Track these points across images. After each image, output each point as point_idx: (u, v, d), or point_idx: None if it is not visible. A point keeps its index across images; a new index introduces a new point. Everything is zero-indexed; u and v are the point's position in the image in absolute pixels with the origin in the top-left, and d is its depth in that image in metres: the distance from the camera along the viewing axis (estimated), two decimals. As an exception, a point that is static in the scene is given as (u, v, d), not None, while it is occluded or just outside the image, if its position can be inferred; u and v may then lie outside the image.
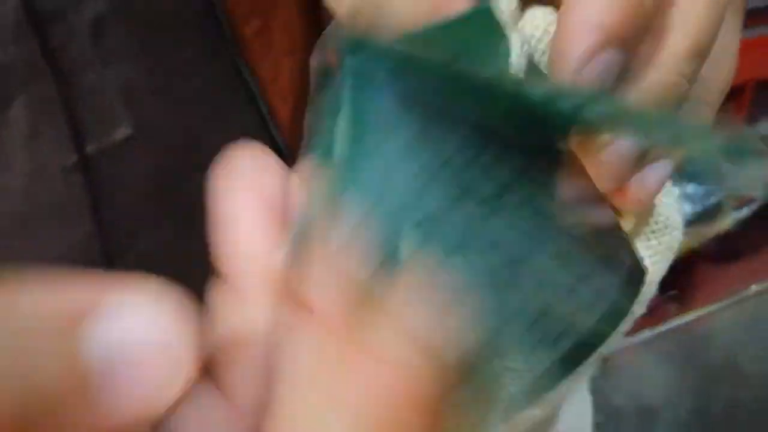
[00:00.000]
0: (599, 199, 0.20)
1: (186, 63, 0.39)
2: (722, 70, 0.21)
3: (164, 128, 0.39)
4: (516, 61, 0.19)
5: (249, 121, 0.42)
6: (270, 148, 0.42)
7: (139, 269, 0.37)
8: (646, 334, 0.62)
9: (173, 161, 0.39)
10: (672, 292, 1.31)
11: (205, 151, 0.40)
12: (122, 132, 0.36)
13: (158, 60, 0.38)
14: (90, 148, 0.36)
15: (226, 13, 0.39)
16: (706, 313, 0.65)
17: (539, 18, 0.20)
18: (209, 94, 0.40)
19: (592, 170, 0.20)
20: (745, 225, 1.23)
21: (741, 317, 0.66)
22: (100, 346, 0.12)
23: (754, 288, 0.66)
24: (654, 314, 1.31)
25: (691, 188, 1.19)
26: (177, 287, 0.13)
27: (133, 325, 0.13)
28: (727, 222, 1.21)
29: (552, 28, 0.20)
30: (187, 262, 0.39)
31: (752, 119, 1.23)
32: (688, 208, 1.18)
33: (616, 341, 0.17)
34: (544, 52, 0.20)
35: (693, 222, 1.19)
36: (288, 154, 0.30)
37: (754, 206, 1.22)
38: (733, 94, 1.14)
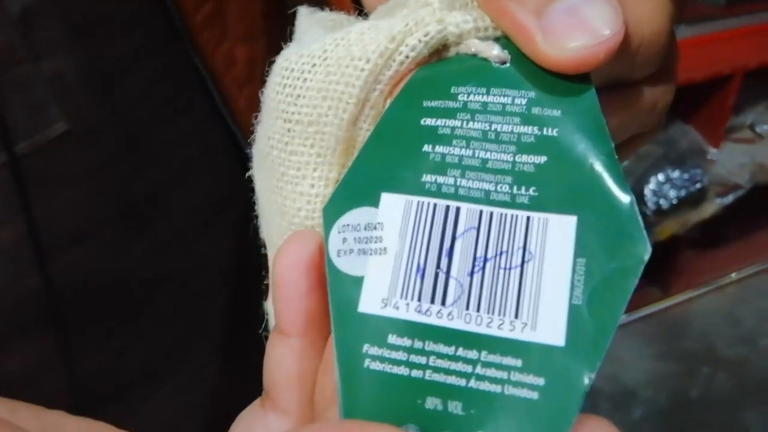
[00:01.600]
0: None
1: (130, 54, 0.36)
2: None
3: (105, 124, 0.36)
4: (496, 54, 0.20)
5: (201, 112, 0.40)
6: (224, 137, 0.40)
7: (75, 275, 0.36)
8: (625, 318, 0.62)
9: (116, 159, 0.37)
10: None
11: (154, 146, 0.39)
12: (56, 129, 0.34)
13: (97, 52, 0.35)
14: (21, 146, 0.33)
15: (175, 1, 0.36)
16: (686, 299, 0.66)
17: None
18: (157, 86, 0.38)
19: None
20: (728, 212, 1.24)
21: (719, 303, 0.67)
22: None
23: (734, 275, 0.67)
24: (635, 299, 1.33)
25: (675, 174, 1.20)
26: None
27: None
28: (711, 208, 1.23)
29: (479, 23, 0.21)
30: (131, 267, 0.39)
31: (739, 109, 1.24)
32: (673, 194, 1.19)
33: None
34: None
35: (677, 207, 1.20)
36: (244, 142, 0.28)
37: (738, 193, 1.23)
38: (722, 84, 1.14)
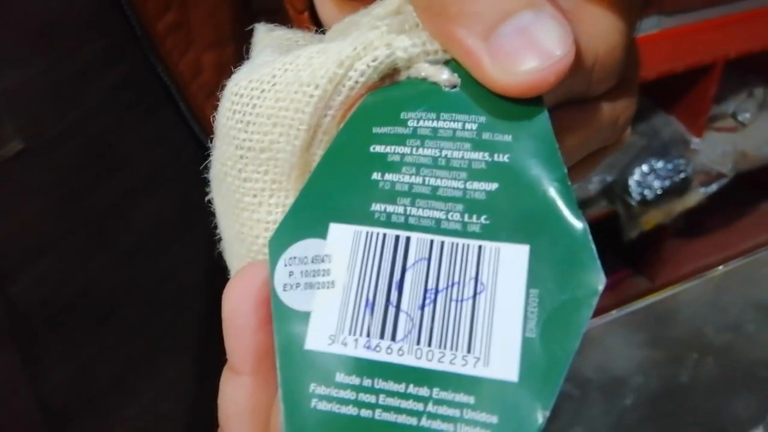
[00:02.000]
0: None
1: (88, 65, 0.35)
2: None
3: (64, 138, 0.34)
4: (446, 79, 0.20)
5: (166, 118, 0.38)
6: (193, 144, 0.39)
7: (37, 290, 0.35)
8: (615, 314, 0.63)
9: (77, 172, 0.35)
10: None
11: (117, 156, 0.37)
12: (12, 148, 0.32)
13: (53, 64, 0.33)
14: None
15: (135, 9, 0.35)
16: (674, 291, 0.66)
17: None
18: (118, 96, 0.36)
19: None
20: (712, 200, 1.25)
21: (705, 291, 0.68)
22: None
23: (720, 269, 0.67)
24: (621, 288, 1.34)
25: (659, 164, 1.21)
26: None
27: None
28: (695, 198, 1.24)
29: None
30: (95, 279, 0.38)
31: (721, 98, 1.25)
32: (657, 184, 1.20)
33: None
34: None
35: (661, 197, 1.21)
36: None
37: (722, 182, 1.24)
38: (703, 73, 1.15)
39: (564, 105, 0.21)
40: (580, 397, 0.60)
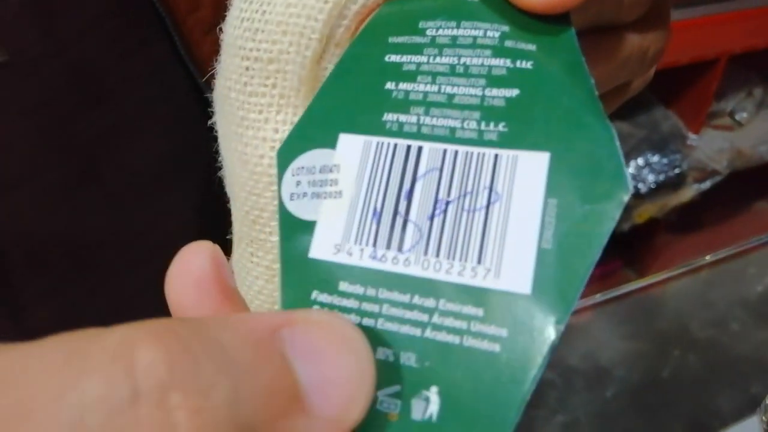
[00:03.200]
0: None
1: None
2: None
3: (49, 57, 0.33)
4: None
5: (159, 53, 0.37)
6: (186, 83, 0.37)
7: (15, 222, 0.33)
8: (599, 298, 0.63)
9: (61, 96, 0.34)
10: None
11: (105, 87, 0.36)
12: None
13: None
14: None
15: None
16: (660, 280, 0.66)
17: None
18: (106, 19, 0.35)
19: None
20: (705, 197, 1.25)
21: (693, 286, 0.68)
22: (297, 356, 0.12)
23: (708, 258, 0.68)
24: (612, 281, 1.34)
25: (655, 158, 1.20)
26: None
27: (321, 340, 0.12)
28: (688, 193, 1.24)
29: None
30: (79, 218, 0.36)
31: (721, 95, 1.25)
32: (652, 178, 1.20)
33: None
34: None
35: (655, 192, 1.21)
36: (207, 90, 0.26)
37: (716, 179, 1.24)
38: (706, 68, 1.15)
39: (592, 31, 0.20)
40: (563, 386, 0.60)
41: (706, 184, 1.24)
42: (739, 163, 1.25)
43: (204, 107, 0.35)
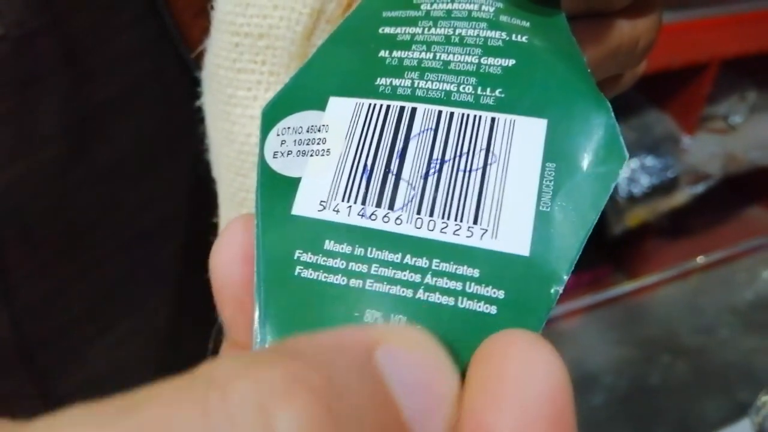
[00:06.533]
0: None
1: None
2: None
3: (43, 31, 0.32)
4: None
5: (150, 30, 0.36)
6: (175, 65, 0.37)
7: (10, 196, 0.33)
8: (588, 300, 0.62)
9: (54, 72, 0.33)
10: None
11: (96, 61, 0.35)
12: None
13: None
14: None
15: None
16: (649, 284, 0.66)
17: None
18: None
19: None
20: (697, 201, 1.25)
21: (682, 290, 0.68)
22: (399, 385, 0.11)
23: (699, 260, 0.67)
24: (602, 286, 1.34)
25: (649, 161, 1.20)
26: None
27: (423, 369, 0.12)
28: (681, 197, 1.24)
29: None
30: (71, 193, 0.36)
31: (714, 99, 1.25)
32: (645, 181, 1.20)
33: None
34: None
35: (648, 195, 1.21)
36: (197, 72, 0.26)
37: (708, 183, 1.24)
38: (699, 71, 1.14)
39: (582, 18, 0.20)
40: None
41: (698, 188, 1.23)
42: (732, 168, 1.25)
43: (193, 88, 0.35)
